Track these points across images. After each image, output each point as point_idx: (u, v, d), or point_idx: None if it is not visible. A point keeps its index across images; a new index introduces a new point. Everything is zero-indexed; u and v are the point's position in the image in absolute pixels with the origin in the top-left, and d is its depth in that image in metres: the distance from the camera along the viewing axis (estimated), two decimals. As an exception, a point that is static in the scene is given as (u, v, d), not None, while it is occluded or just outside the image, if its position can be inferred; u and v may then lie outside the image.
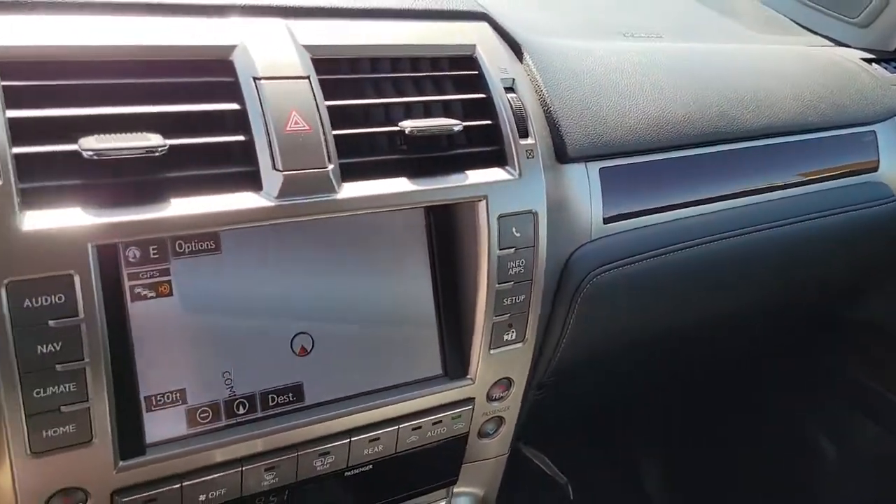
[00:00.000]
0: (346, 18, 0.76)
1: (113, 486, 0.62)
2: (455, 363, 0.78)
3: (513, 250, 0.76)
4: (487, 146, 0.77)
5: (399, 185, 0.71)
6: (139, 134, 0.60)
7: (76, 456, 0.60)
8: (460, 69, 0.79)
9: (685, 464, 1.65)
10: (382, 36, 0.77)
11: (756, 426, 1.57)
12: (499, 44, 0.84)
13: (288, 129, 0.65)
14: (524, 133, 0.78)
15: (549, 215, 0.79)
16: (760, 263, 1.05)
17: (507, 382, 0.82)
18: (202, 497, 0.67)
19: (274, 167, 0.64)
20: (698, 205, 0.96)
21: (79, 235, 0.57)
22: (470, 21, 0.83)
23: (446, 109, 0.77)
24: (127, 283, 0.63)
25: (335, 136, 0.68)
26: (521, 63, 0.87)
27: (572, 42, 0.98)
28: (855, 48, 1.34)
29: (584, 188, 0.86)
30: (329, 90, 0.69)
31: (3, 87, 0.57)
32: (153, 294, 0.64)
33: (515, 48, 0.87)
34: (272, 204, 0.64)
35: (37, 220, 0.56)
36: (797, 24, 1.47)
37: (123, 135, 0.59)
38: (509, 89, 0.79)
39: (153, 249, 0.64)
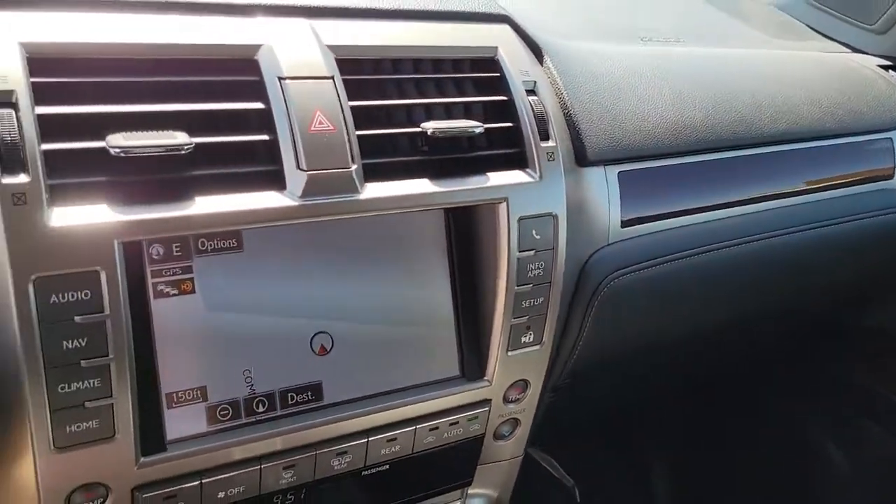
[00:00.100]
0: (368, 19, 0.77)
1: (134, 482, 0.63)
2: (472, 365, 0.78)
3: (532, 253, 0.76)
4: (508, 148, 0.77)
5: (421, 186, 0.71)
6: (166, 132, 0.60)
7: (98, 451, 0.60)
8: (482, 71, 0.79)
9: (694, 468, 1.65)
10: (405, 37, 0.77)
11: (765, 431, 1.57)
12: (520, 46, 0.84)
13: (312, 128, 0.66)
14: (545, 136, 0.79)
15: (568, 218, 0.79)
16: (775, 269, 1.05)
17: (523, 384, 0.82)
18: (221, 494, 0.67)
19: (298, 167, 0.65)
20: (715, 209, 0.96)
21: (106, 232, 0.57)
22: (492, 23, 0.83)
23: (467, 111, 0.77)
24: (150, 281, 0.64)
25: (358, 136, 0.68)
26: (542, 66, 0.87)
27: (592, 45, 0.98)
28: (871, 55, 1.34)
29: (602, 191, 0.86)
30: (352, 90, 0.69)
31: (33, 83, 0.57)
32: (176, 291, 0.65)
33: (536, 51, 0.87)
34: (296, 203, 0.64)
35: (64, 217, 0.56)
36: (811, 28, 1.47)
37: (150, 132, 0.59)
38: (531, 92, 0.80)
39: (176, 247, 0.65)
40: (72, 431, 0.58)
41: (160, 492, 0.64)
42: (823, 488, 1.48)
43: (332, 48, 0.70)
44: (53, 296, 0.56)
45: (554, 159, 0.78)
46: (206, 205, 0.61)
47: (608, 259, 0.86)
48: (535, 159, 0.77)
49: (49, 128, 0.57)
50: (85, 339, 0.57)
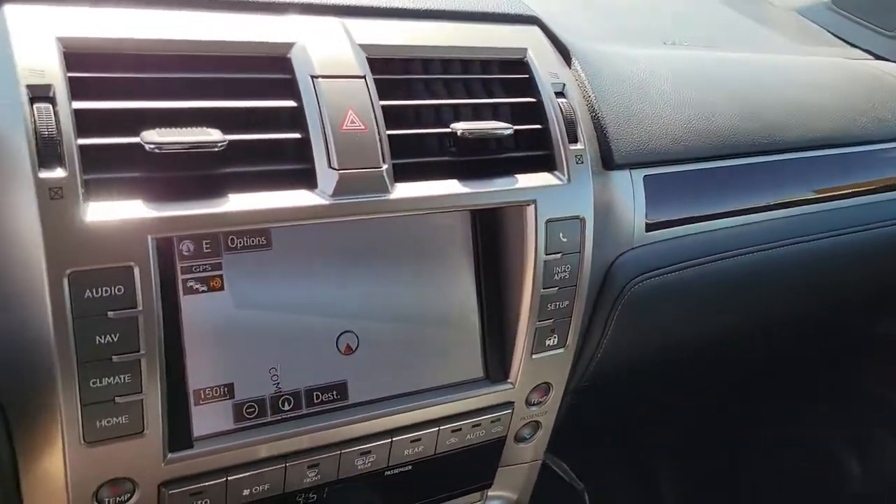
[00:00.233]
0: (399, 18, 0.76)
1: (161, 478, 0.63)
2: (496, 367, 0.78)
3: (559, 255, 0.76)
4: (536, 150, 0.77)
5: (450, 187, 0.71)
6: (199, 128, 0.60)
7: (127, 447, 0.60)
8: (511, 72, 0.79)
9: (704, 475, 1.64)
10: (435, 37, 0.77)
11: (778, 440, 1.56)
12: (549, 48, 0.84)
13: (344, 127, 0.65)
14: (574, 138, 0.78)
15: (594, 221, 0.79)
16: (799, 275, 1.05)
17: (546, 387, 0.82)
18: (246, 492, 0.67)
19: (329, 165, 0.65)
20: (740, 215, 0.95)
21: (140, 227, 0.57)
22: (521, 24, 0.83)
23: (494, 112, 0.77)
24: (180, 277, 0.64)
25: (388, 136, 0.68)
26: (570, 68, 0.87)
27: (618, 48, 0.97)
28: (894, 62, 1.33)
29: (628, 195, 0.86)
30: (383, 90, 0.69)
31: (70, 78, 0.57)
32: (205, 288, 0.65)
33: (564, 53, 0.87)
34: (327, 202, 0.64)
35: (99, 212, 0.56)
36: (834, 35, 1.46)
37: (184, 129, 0.59)
38: (559, 94, 0.79)
39: (206, 244, 0.65)
40: (102, 426, 0.58)
41: (186, 488, 0.64)
42: (837, 499, 1.47)
43: (364, 47, 0.70)
44: (87, 290, 0.56)
45: (582, 162, 0.78)
46: (239, 202, 0.61)
47: (632, 263, 0.86)
48: (564, 162, 0.77)
49: (85, 123, 0.57)
50: (117, 335, 0.57)
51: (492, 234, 0.77)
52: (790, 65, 1.17)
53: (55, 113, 0.56)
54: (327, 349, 0.70)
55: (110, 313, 0.57)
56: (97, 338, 0.57)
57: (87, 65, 0.59)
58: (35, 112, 0.55)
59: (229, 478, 0.65)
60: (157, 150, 0.58)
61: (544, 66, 0.80)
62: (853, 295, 1.24)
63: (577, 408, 1.00)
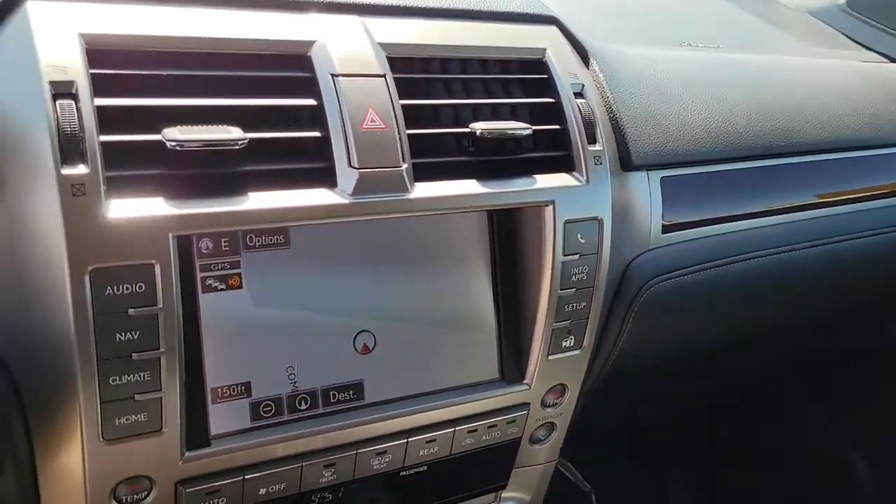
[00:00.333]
0: (418, 17, 0.76)
1: (178, 477, 0.63)
2: (512, 368, 0.78)
3: (577, 256, 0.76)
4: (555, 151, 0.77)
5: (469, 187, 0.70)
6: (221, 126, 0.60)
7: (145, 444, 0.60)
8: (530, 73, 0.78)
9: (710, 478, 1.63)
10: (454, 36, 0.76)
11: (788, 445, 1.55)
12: (567, 48, 0.83)
13: (364, 126, 0.65)
14: (592, 139, 0.78)
15: (611, 222, 0.78)
16: (814, 278, 1.04)
17: (561, 389, 0.82)
18: (262, 490, 0.67)
19: (349, 164, 0.64)
20: (757, 217, 0.95)
21: (161, 225, 0.57)
22: (540, 25, 0.83)
23: (513, 113, 0.77)
24: (199, 275, 0.63)
25: (407, 135, 0.68)
26: (588, 69, 0.86)
27: (636, 49, 0.97)
28: (911, 65, 1.33)
29: (645, 196, 0.86)
30: (402, 89, 0.69)
31: (92, 74, 0.57)
32: (223, 286, 0.65)
33: (582, 53, 0.87)
34: (347, 201, 0.64)
35: (121, 209, 0.56)
36: (848, 37, 1.45)
37: (206, 126, 0.59)
38: (578, 94, 0.79)
39: (225, 242, 0.65)
40: (121, 424, 0.58)
41: (203, 486, 0.64)
42: (849, 502, 1.46)
43: (384, 46, 0.70)
44: (109, 288, 0.55)
45: (601, 163, 0.78)
46: (259, 200, 0.61)
47: (649, 264, 0.86)
48: (583, 162, 0.76)
49: (107, 119, 0.57)
50: (137, 333, 0.57)
51: (509, 234, 0.77)
52: (807, 67, 1.16)
53: (78, 109, 0.55)
54: (344, 348, 0.70)
55: (131, 311, 0.56)
56: (118, 335, 0.56)
57: (110, 61, 0.59)
58: (58, 108, 0.55)
59: (246, 477, 0.65)
60: (178, 148, 0.57)
61: (563, 66, 0.79)
62: (866, 297, 1.23)
63: (586, 408, 0.99)
